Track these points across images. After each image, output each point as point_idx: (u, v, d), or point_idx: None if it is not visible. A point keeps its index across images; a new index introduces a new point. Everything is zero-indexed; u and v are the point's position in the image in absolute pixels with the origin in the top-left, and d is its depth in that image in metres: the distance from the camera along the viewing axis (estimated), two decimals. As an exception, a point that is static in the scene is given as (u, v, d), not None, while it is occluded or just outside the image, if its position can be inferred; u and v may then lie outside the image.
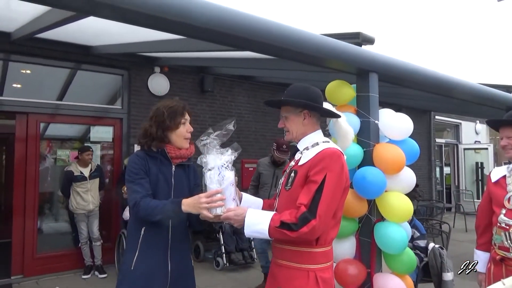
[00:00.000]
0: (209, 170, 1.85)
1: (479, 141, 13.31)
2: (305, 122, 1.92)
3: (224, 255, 5.59)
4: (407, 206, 2.54)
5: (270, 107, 2.19)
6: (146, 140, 2.05)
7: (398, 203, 2.54)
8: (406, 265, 2.62)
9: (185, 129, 2.09)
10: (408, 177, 2.65)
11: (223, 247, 5.64)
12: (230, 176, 1.85)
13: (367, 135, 2.65)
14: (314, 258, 1.78)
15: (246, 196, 2.08)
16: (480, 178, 12.04)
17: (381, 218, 2.68)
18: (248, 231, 1.77)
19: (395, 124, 2.68)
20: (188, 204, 1.83)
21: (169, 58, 5.77)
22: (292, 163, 1.94)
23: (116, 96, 6.14)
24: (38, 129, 5.33)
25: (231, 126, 1.92)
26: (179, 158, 2.11)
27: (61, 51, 5.27)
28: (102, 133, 6.07)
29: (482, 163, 12.15)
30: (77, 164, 5.31)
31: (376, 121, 2.69)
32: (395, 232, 2.52)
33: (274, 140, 4.89)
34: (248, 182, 6.97)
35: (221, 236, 5.72)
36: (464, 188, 12.26)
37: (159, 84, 6.16)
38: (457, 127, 13.05)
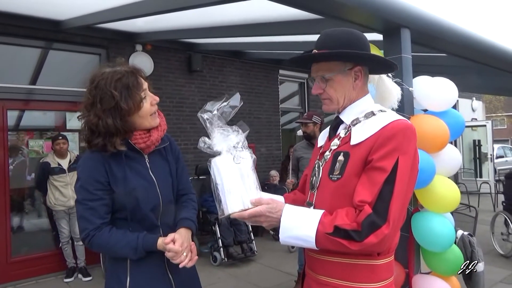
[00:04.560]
0: (217, 156, 1.32)
1: (476, 119, 12.97)
2: (357, 84, 1.34)
3: (221, 249, 5.11)
4: (454, 193, 2.06)
5: (295, 66, 1.64)
6: (103, 142, 1.40)
7: (442, 190, 2.05)
8: (451, 265, 2.15)
9: (148, 104, 1.48)
10: (453, 156, 2.16)
11: (220, 240, 5.15)
12: (247, 157, 1.32)
13: (400, 106, 2.14)
14: (376, 273, 1.24)
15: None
16: (478, 156, 11.74)
17: (419, 207, 2.20)
18: (285, 237, 1.22)
19: (434, 91, 2.17)
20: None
21: (151, 33, 5.14)
22: (337, 141, 1.35)
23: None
24: (5, 118, 4.70)
25: (236, 101, 1.38)
26: (151, 146, 1.52)
27: (27, 27, 4.60)
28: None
29: (479, 141, 11.83)
30: (54, 155, 4.72)
31: (411, 88, 2.18)
32: (439, 224, 2.03)
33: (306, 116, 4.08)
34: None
35: (217, 228, 5.22)
36: (462, 167, 11.95)
37: (141, 64, 5.49)
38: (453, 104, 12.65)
